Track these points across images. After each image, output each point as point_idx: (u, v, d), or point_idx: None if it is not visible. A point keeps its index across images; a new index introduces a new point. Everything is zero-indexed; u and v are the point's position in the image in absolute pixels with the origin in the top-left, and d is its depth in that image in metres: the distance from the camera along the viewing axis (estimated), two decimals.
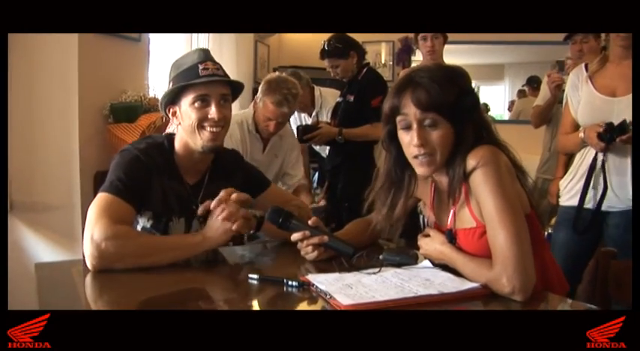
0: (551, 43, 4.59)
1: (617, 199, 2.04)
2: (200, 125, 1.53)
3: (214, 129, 1.54)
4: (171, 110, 1.60)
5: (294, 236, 1.46)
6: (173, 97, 1.57)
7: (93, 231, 1.38)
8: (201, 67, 1.53)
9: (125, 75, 2.82)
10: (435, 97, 1.24)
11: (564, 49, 4.53)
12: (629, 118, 1.94)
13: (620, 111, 1.99)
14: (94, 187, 2.56)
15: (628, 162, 2.00)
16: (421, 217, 1.53)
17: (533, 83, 4.91)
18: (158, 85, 3.00)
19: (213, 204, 1.46)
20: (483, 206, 1.24)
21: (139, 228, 1.55)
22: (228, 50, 4.10)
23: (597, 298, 1.49)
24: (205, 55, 1.58)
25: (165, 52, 3.50)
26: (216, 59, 1.60)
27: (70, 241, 2.50)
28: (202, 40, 3.90)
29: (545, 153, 3.30)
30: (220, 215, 1.43)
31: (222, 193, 1.47)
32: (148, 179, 1.53)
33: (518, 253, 1.17)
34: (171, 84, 1.59)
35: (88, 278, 1.37)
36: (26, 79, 2.44)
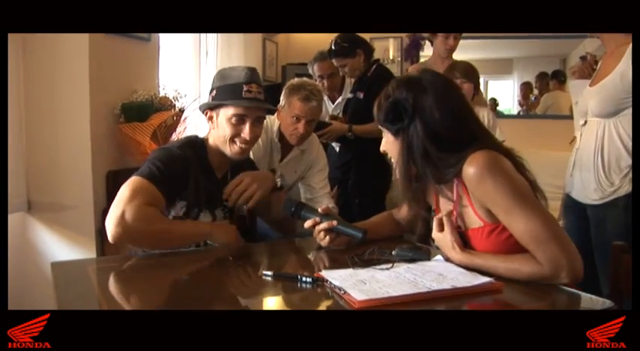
0: (560, 38, 4.57)
1: (584, 194, 2.07)
2: (232, 140, 1.70)
3: (243, 146, 1.72)
4: (208, 114, 1.76)
5: (306, 224, 1.55)
6: (213, 105, 1.73)
7: (125, 208, 1.47)
8: (245, 88, 1.67)
9: (136, 74, 2.82)
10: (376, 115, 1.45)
11: (573, 44, 4.57)
12: (590, 105, 2.00)
13: (586, 101, 2.04)
14: (106, 186, 2.59)
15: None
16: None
17: (560, 77, 5.01)
18: (168, 84, 3.00)
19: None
20: (503, 211, 1.26)
21: (170, 217, 1.66)
22: (236, 48, 4.08)
23: (610, 292, 1.49)
24: (252, 76, 1.72)
25: (176, 51, 3.50)
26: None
27: (84, 240, 2.52)
28: (211, 38, 3.90)
29: None
30: None
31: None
32: (186, 172, 1.66)
33: (555, 238, 1.19)
34: (214, 92, 1.74)
35: (104, 276, 1.39)
36: (39, 80, 2.46)
